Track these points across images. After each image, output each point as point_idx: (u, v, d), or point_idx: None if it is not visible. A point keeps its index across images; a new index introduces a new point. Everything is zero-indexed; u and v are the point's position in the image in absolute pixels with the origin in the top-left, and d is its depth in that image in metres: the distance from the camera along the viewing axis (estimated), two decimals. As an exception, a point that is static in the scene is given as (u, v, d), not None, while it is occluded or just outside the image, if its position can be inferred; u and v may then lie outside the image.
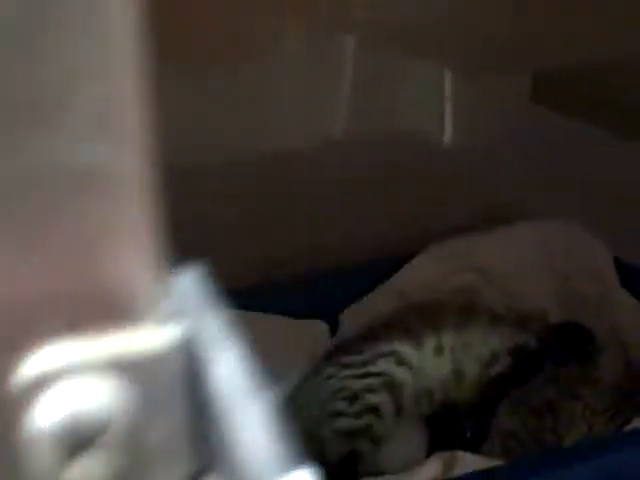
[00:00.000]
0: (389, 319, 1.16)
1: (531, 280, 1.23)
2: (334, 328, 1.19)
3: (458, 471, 0.77)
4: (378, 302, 1.20)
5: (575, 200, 1.27)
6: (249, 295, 1.15)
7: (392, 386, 1.04)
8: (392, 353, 1.07)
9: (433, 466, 0.75)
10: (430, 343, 1.11)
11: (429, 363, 1.10)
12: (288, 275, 1.21)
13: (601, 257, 1.18)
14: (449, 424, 1.03)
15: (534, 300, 1.23)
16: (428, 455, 0.99)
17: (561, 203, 1.26)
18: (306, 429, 1.02)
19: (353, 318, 1.19)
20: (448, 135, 1.32)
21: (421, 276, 1.21)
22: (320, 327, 1.19)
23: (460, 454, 0.82)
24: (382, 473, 0.97)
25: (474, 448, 0.97)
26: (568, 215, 1.23)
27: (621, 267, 1.17)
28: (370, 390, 1.03)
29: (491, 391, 1.05)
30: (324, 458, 0.98)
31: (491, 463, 0.81)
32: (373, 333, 1.14)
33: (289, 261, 1.20)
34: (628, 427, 0.91)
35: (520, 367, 1.07)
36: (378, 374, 1.05)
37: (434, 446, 1.00)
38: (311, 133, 1.23)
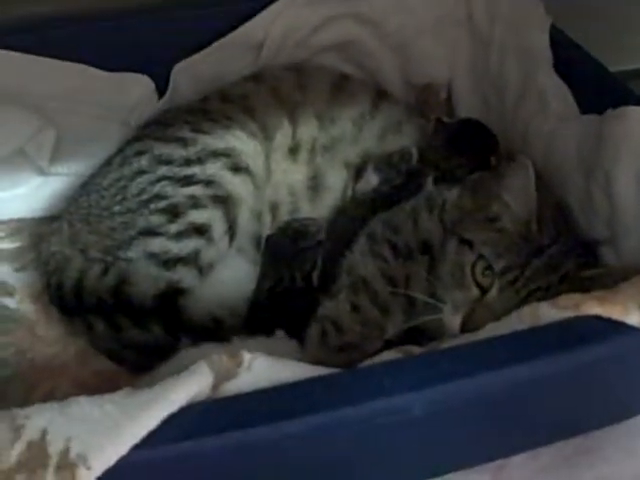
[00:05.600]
0: (232, 89, 0.84)
1: (436, 42, 0.91)
2: (163, 87, 0.87)
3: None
4: (223, 56, 0.86)
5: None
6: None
7: (225, 201, 0.76)
8: (226, 153, 0.77)
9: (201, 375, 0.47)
10: (284, 138, 0.81)
11: (279, 166, 0.81)
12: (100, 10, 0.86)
13: (535, 20, 0.83)
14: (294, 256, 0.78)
15: (436, 71, 0.92)
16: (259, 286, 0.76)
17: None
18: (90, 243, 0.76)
19: (187, 77, 0.86)
20: None
21: (285, 22, 0.86)
22: (143, 84, 0.86)
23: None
24: (206, 309, 0.73)
25: (322, 289, 0.74)
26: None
27: (559, 41, 0.81)
28: (196, 205, 0.75)
29: (353, 212, 0.79)
30: (134, 290, 0.73)
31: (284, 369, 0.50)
32: (207, 108, 0.83)
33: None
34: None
35: (395, 186, 0.80)
36: (206, 182, 0.76)
37: (272, 290, 0.76)
38: None
